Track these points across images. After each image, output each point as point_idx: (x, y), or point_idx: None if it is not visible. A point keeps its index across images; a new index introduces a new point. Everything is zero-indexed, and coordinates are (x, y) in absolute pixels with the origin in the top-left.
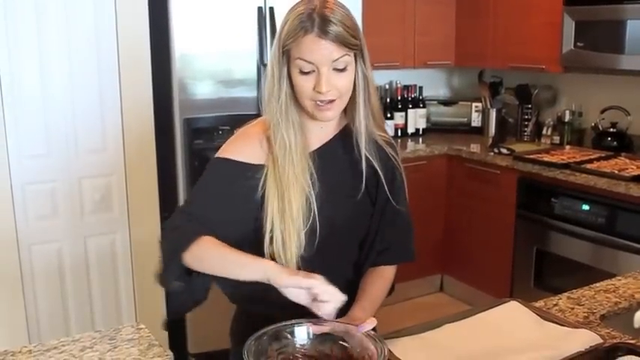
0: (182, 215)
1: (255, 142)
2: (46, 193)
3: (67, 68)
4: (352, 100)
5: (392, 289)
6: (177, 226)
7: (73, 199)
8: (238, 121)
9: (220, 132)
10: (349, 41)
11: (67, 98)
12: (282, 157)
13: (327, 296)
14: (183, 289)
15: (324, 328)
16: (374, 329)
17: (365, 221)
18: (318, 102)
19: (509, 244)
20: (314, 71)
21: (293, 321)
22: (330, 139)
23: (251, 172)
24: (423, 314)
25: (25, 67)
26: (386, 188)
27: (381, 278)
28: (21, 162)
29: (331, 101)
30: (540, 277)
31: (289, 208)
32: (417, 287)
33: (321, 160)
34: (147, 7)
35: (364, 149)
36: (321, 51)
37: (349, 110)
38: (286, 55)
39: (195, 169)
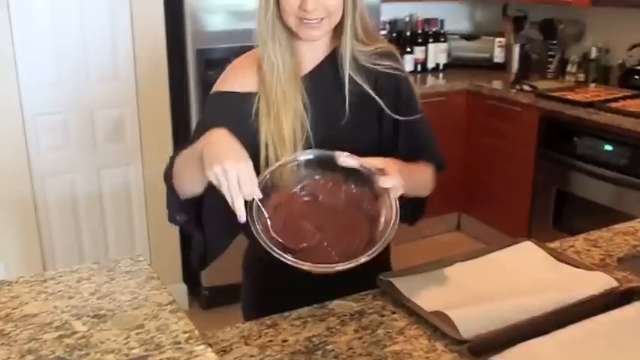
0: (176, 151)
1: (246, 71)
2: (58, 123)
3: None
4: (340, 20)
5: (422, 212)
6: (168, 163)
7: (86, 130)
8: None
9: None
10: None
11: (77, 24)
12: (269, 77)
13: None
14: (188, 224)
15: (353, 164)
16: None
17: (372, 141)
18: (304, 20)
19: (528, 184)
20: None
21: (314, 150)
22: (321, 62)
23: (244, 100)
24: (439, 253)
25: None
26: (385, 109)
27: (417, 163)
28: (32, 91)
29: (319, 20)
30: (559, 218)
31: (281, 129)
32: (433, 225)
33: (313, 84)
34: None
35: (347, 70)
36: None
37: (337, 31)
38: None
39: None
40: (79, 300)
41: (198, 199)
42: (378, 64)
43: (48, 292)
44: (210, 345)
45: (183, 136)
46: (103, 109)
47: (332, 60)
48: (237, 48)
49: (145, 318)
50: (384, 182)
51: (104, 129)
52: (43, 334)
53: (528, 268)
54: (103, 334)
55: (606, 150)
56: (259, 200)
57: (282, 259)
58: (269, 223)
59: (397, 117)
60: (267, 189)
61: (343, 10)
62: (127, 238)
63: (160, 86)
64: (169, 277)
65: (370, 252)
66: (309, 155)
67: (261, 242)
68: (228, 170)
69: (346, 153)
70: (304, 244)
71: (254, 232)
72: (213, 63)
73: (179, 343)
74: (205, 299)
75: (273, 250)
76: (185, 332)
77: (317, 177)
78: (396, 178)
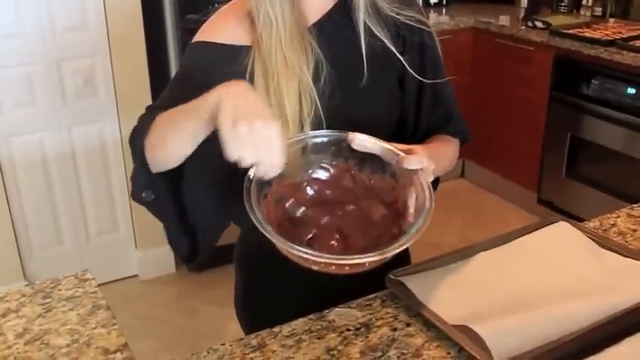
0: (147, 111)
1: (234, 21)
2: (21, 78)
3: None
4: None
5: (437, 182)
6: (137, 124)
7: (53, 84)
8: None
9: (217, 4)
10: None
11: None
12: (267, 37)
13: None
14: (157, 205)
15: (369, 147)
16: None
17: (393, 111)
18: None
19: (540, 129)
20: None
21: (324, 131)
22: (330, 9)
23: (235, 55)
24: (443, 201)
25: None
26: (408, 68)
27: (442, 139)
28: None
29: None
30: (573, 166)
31: (283, 106)
32: None
33: (323, 35)
34: None
35: (362, 19)
36: None
37: None
38: None
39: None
40: (1, 346)
41: (173, 173)
42: (400, 14)
43: None
44: None
45: (162, 87)
46: (72, 61)
47: (343, 7)
48: None
49: None
50: (410, 163)
51: (74, 82)
52: None
53: (567, 258)
54: None
55: (629, 93)
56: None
57: (292, 250)
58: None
59: (422, 79)
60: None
61: None
62: (105, 201)
63: (134, 32)
64: (154, 240)
65: (402, 241)
66: (320, 137)
67: (264, 232)
68: (260, 130)
69: (362, 135)
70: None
71: (254, 220)
72: (193, 5)
73: None
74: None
75: (282, 242)
76: None
77: (325, 164)
78: (425, 158)
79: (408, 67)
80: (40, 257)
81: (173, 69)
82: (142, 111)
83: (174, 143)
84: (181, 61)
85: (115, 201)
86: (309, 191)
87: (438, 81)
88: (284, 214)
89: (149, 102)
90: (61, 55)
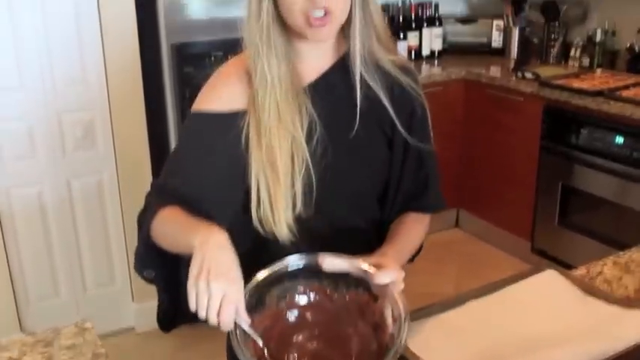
0: (153, 189)
1: (233, 83)
2: (22, 131)
3: None
4: (348, 18)
5: (420, 248)
6: (147, 204)
7: (53, 136)
8: (234, 46)
9: (213, 58)
10: None
11: (39, 23)
12: (262, 93)
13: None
14: (157, 280)
15: (340, 266)
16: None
17: (379, 168)
18: (312, 17)
19: (532, 179)
20: None
21: (296, 257)
22: (327, 70)
23: (231, 121)
24: (437, 251)
25: None
26: (399, 125)
27: (413, 221)
28: None
29: (326, 15)
30: (565, 214)
31: (273, 159)
32: (431, 222)
33: (318, 96)
34: None
35: (359, 73)
36: None
37: (346, 33)
38: None
39: (185, 99)
40: None
41: (172, 254)
42: (398, 76)
43: None
44: None
45: (159, 140)
46: (72, 114)
47: (342, 66)
48: (216, 41)
49: None
50: (381, 279)
51: (73, 135)
52: None
53: (554, 306)
54: None
55: (617, 142)
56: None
57: None
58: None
59: (409, 139)
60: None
61: (351, 4)
62: (102, 252)
63: (133, 87)
64: (151, 292)
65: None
66: (293, 265)
67: None
68: (214, 291)
69: (330, 256)
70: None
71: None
72: (191, 58)
73: None
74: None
75: None
76: None
77: (301, 288)
78: (395, 270)
79: (397, 124)
80: (36, 308)
81: (171, 121)
82: (141, 163)
83: (175, 248)
84: (182, 131)
85: (112, 253)
86: (290, 317)
87: (422, 147)
88: (269, 342)
89: (147, 154)
90: (61, 108)
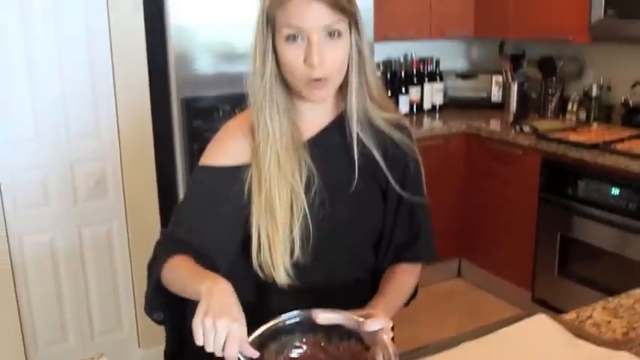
0: (162, 237)
1: (238, 138)
2: (36, 179)
3: (54, 46)
4: (345, 78)
5: (415, 293)
6: (156, 252)
7: (66, 185)
8: (240, 101)
9: (221, 112)
10: (343, 4)
11: (56, 78)
12: (263, 146)
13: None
14: (165, 322)
15: (333, 320)
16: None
17: (374, 219)
18: (310, 80)
19: (531, 230)
20: (303, 40)
21: (292, 314)
22: (326, 126)
23: (236, 175)
24: (439, 301)
25: (9, 46)
26: (391, 181)
27: (403, 273)
28: (8, 147)
29: (324, 79)
30: (565, 264)
31: (273, 207)
32: (433, 273)
33: (317, 151)
34: None
35: (355, 130)
36: (311, 14)
37: (343, 93)
38: (271, 24)
39: (194, 151)
40: None
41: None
42: (391, 133)
43: None
44: None
45: (168, 188)
46: (84, 164)
47: (339, 123)
48: (224, 96)
49: None
50: (371, 326)
51: (85, 184)
52: None
53: (545, 348)
54: None
55: (613, 194)
56: None
57: None
58: None
59: (402, 193)
60: None
61: (347, 67)
62: (110, 300)
63: (144, 139)
64: (157, 338)
65: None
66: (290, 319)
67: None
68: (219, 329)
69: (323, 311)
70: None
71: None
72: (200, 112)
73: None
74: None
75: None
76: None
77: (297, 342)
78: (384, 319)
79: (391, 180)
80: (44, 354)
81: (179, 172)
82: (150, 212)
83: (183, 293)
84: (189, 183)
85: (119, 300)
86: None
87: (415, 200)
88: None
89: (156, 202)
90: (74, 159)
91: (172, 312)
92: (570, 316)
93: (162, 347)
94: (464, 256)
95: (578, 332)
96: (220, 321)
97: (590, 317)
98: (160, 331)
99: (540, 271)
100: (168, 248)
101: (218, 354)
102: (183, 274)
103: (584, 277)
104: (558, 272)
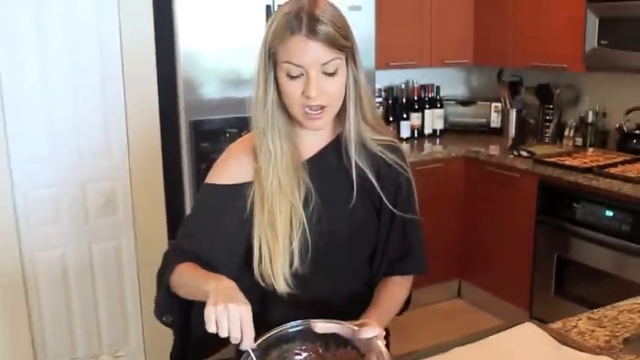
0: (171, 248)
1: (242, 159)
2: (48, 198)
3: (68, 69)
4: (342, 105)
5: (408, 303)
6: (165, 261)
7: (77, 203)
8: (246, 124)
9: (227, 135)
10: (340, 42)
11: (70, 100)
12: (265, 167)
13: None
14: (174, 324)
15: (329, 329)
16: (387, 341)
17: (370, 234)
18: (307, 110)
19: (528, 251)
20: (302, 75)
21: (291, 323)
22: (323, 148)
23: (239, 193)
24: (439, 321)
25: (26, 69)
26: (385, 199)
27: (395, 285)
28: (23, 166)
29: (321, 108)
30: (561, 285)
31: (274, 221)
32: (433, 293)
33: (315, 171)
34: (151, 3)
35: (354, 156)
36: (309, 53)
37: (340, 117)
38: (272, 58)
39: (201, 172)
40: None
41: (186, 301)
42: (384, 154)
43: None
44: None
45: (176, 207)
46: (95, 183)
47: (336, 145)
48: (231, 119)
49: None
50: (366, 333)
51: (95, 203)
52: None
53: (530, 352)
54: None
55: (607, 216)
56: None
57: None
58: None
59: (395, 211)
60: None
61: (345, 95)
62: (118, 314)
63: (153, 158)
64: (164, 352)
65: None
66: (291, 328)
67: None
68: (231, 310)
69: (320, 321)
70: None
71: None
72: (207, 134)
73: None
74: None
75: None
76: None
77: (297, 349)
78: (377, 327)
79: (384, 199)
80: None
81: (187, 191)
82: (157, 230)
83: (191, 295)
84: (196, 199)
85: (127, 314)
86: None
87: (407, 217)
88: None
89: (164, 221)
90: (85, 178)
91: (180, 315)
92: (557, 325)
93: None
94: (464, 277)
95: (563, 339)
96: (231, 305)
97: (575, 326)
98: (166, 346)
99: (537, 291)
100: (176, 257)
101: (234, 335)
102: (190, 277)
103: (579, 296)
104: (555, 292)
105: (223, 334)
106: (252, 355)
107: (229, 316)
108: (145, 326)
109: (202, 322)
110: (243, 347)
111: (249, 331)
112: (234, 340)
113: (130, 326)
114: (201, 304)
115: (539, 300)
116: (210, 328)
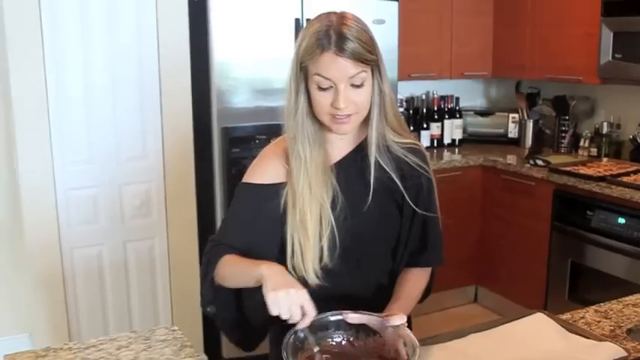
0: (212, 244)
1: (275, 161)
2: (88, 198)
3: (109, 77)
4: (368, 113)
5: (429, 291)
6: (208, 256)
7: (114, 204)
8: (275, 131)
9: (257, 141)
10: (366, 57)
11: (109, 107)
12: (296, 170)
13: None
14: (217, 313)
15: (360, 319)
16: (409, 326)
17: (392, 231)
18: (336, 115)
19: (544, 257)
20: (332, 87)
21: (328, 313)
22: (349, 152)
23: (273, 192)
24: (456, 325)
25: (70, 77)
26: (407, 199)
27: (415, 276)
28: (65, 168)
29: (348, 115)
30: (575, 290)
31: (304, 220)
32: (451, 297)
33: (342, 173)
34: (187, 16)
35: (373, 157)
36: (338, 68)
37: (366, 123)
38: (304, 71)
39: (232, 176)
40: None
41: (230, 291)
42: (407, 156)
43: (90, 359)
44: None
45: (207, 210)
46: (131, 185)
47: (361, 151)
48: (261, 126)
49: None
50: (394, 321)
51: (131, 204)
52: None
53: (539, 339)
54: None
55: (620, 223)
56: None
57: None
58: None
59: (416, 209)
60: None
61: (370, 103)
62: (150, 309)
63: (186, 163)
64: None
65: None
66: (326, 317)
67: None
68: (293, 296)
69: (351, 312)
70: None
71: None
72: (238, 141)
73: None
74: None
75: None
76: None
77: (330, 337)
78: (402, 316)
79: (406, 197)
80: None
81: (218, 195)
82: (189, 230)
83: (237, 284)
84: (234, 199)
85: (158, 312)
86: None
87: (428, 214)
88: None
89: (195, 223)
90: (122, 180)
91: (224, 304)
92: (565, 316)
93: (197, 357)
94: (480, 283)
95: (571, 328)
96: (292, 290)
97: (582, 317)
98: (196, 341)
99: (552, 296)
100: (219, 251)
101: (296, 318)
102: (238, 266)
103: (592, 301)
104: (569, 297)
105: (285, 317)
106: (306, 332)
107: (292, 299)
108: (174, 322)
109: (256, 308)
110: (300, 327)
111: (311, 313)
112: (294, 321)
113: (161, 321)
114: (253, 291)
115: (553, 305)
116: (275, 311)
